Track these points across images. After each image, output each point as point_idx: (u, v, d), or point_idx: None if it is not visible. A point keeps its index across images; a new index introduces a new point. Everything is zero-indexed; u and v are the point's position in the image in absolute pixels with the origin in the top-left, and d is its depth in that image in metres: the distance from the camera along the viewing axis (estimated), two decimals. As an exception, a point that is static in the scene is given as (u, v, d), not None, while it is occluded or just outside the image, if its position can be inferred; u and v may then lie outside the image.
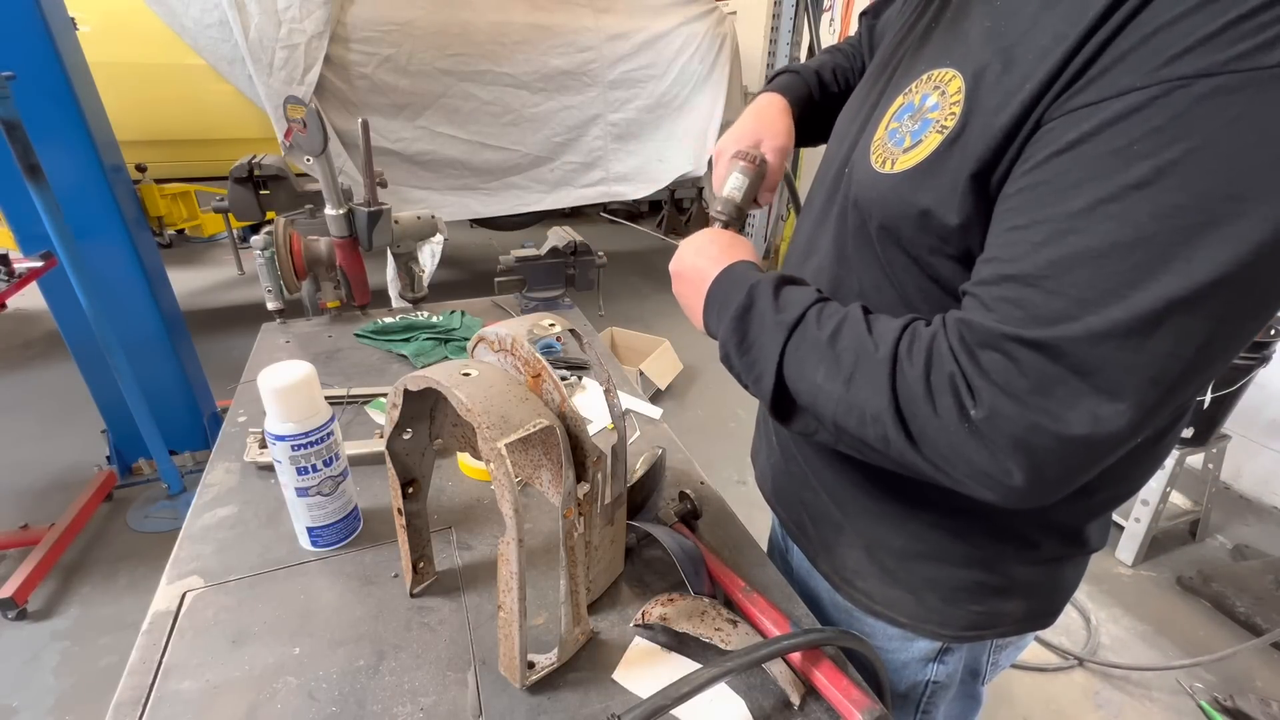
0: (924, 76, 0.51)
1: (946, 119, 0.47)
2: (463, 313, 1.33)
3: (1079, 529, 0.62)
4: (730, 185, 0.75)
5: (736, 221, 0.75)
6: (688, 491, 0.79)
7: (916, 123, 0.50)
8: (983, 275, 0.44)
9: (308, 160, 1.14)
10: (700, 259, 0.64)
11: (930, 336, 0.46)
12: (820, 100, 0.85)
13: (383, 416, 0.97)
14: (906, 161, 0.50)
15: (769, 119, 0.79)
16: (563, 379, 1.08)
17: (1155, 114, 0.36)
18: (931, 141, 0.48)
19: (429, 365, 0.62)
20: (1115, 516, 1.50)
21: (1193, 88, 0.35)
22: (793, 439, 0.74)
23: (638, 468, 0.77)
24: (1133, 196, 0.37)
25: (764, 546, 0.79)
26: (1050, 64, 0.41)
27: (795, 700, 0.58)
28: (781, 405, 0.55)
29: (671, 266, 0.68)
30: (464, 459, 0.89)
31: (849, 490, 0.67)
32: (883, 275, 0.57)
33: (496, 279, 1.39)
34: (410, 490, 0.65)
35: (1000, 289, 0.42)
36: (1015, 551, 0.62)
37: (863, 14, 0.85)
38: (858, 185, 0.57)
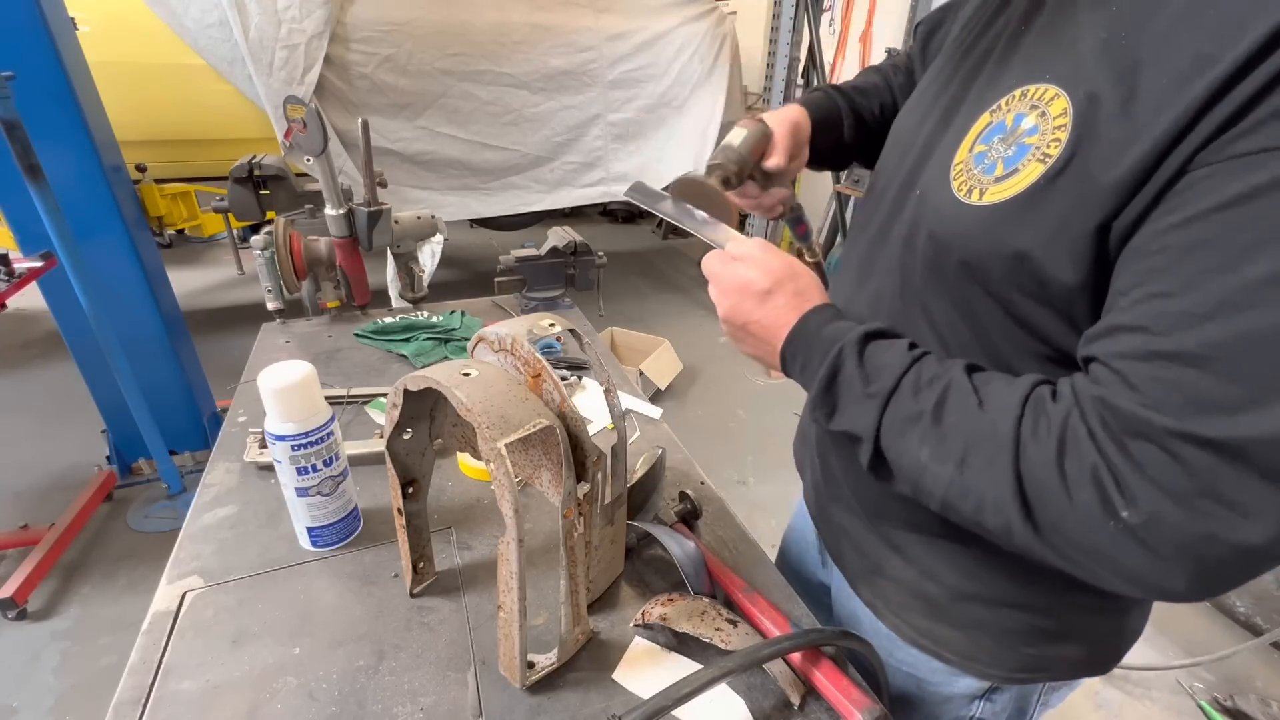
0: (1015, 93, 0.45)
1: (1049, 146, 0.41)
2: (463, 313, 1.33)
3: None
4: (730, 135, 0.69)
5: (735, 174, 0.67)
6: (688, 491, 0.79)
7: (1010, 148, 0.44)
8: (1122, 347, 0.38)
9: (308, 160, 1.14)
10: (757, 312, 0.55)
11: (1063, 417, 0.40)
12: (848, 114, 0.78)
13: (383, 416, 0.97)
14: (999, 193, 0.44)
15: (778, 111, 0.73)
16: (563, 379, 1.08)
17: None
18: (1031, 172, 0.42)
19: (429, 365, 0.62)
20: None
21: None
22: (837, 461, 0.69)
23: (638, 468, 0.77)
24: None
25: (764, 547, 0.79)
26: (1195, 94, 0.35)
27: (795, 700, 0.58)
28: (882, 472, 0.49)
29: (722, 314, 0.58)
30: (464, 459, 0.89)
31: (896, 521, 0.63)
32: (957, 314, 0.51)
33: (496, 279, 1.39)
34: (410, 490, 0.65)
35: (1150, 367, 0.36)
36: (1081, 599, 0.57)
37: (918, 25, 0.76)
38: (934, 214, 0.50)
